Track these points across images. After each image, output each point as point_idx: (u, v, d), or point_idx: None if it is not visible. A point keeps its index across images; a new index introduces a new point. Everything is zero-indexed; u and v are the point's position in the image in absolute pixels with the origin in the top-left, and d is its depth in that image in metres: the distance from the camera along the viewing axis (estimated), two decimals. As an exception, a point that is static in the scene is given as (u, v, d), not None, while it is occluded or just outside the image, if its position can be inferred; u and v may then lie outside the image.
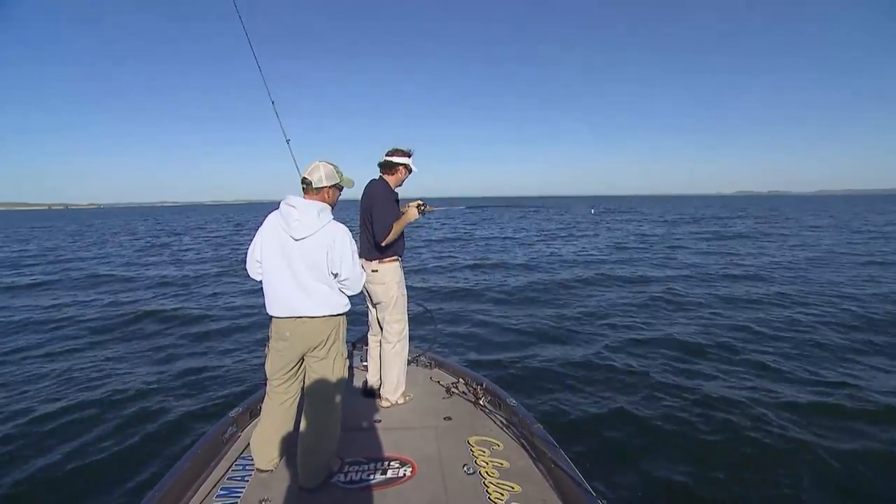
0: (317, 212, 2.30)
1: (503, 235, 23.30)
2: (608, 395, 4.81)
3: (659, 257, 15.08)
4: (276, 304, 2.36)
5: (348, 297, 2.48)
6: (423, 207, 3.32)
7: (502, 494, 2.35)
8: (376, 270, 3.21)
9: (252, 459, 2.57)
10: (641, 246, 18.34)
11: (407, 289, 3.37)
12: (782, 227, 27.26)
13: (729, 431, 4.08)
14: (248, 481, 2.48)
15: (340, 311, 2.43)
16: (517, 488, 2.40)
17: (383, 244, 3.10)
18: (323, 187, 2.40)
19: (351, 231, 2.43)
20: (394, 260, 3.24)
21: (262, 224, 2.43)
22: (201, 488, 2.40)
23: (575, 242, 19.96)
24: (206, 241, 25.07)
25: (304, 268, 2.30)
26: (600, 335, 6.79)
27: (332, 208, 2.43)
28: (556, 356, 5.91)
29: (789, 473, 3.47)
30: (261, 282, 2.44)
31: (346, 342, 4.01)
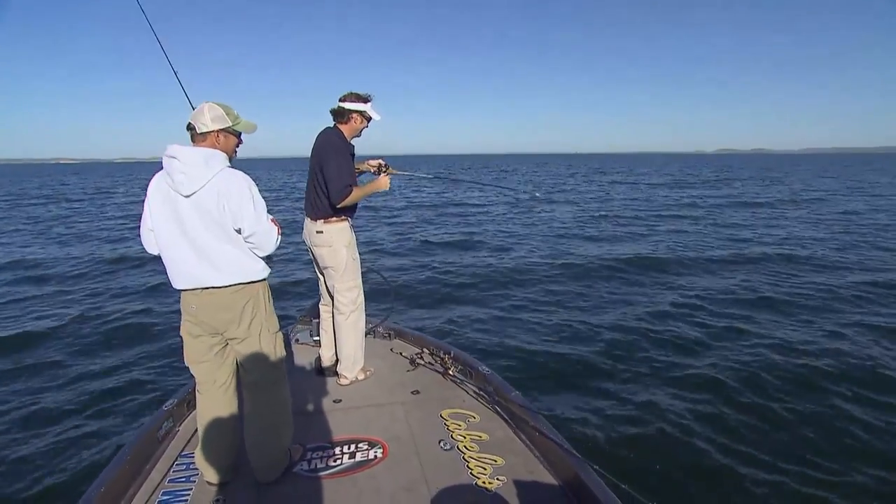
0: (203, 160, 1.89)
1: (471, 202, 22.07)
2: (582, 353, 4.82)
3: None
4: (178, 276, 1.98)
5: (265, 259, 2.10)
6: (385, 169, 3.01)
7: (484, 469, 2.19)
8: (321, 231, 2.87)
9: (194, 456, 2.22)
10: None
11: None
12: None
13: (713, 391, 4.11)
14: (194, 482, 2.14)
15: (255, 278, 2.05)
16: (500, 461, 2.24)
17: (339, 206, 2.75)
18: (210, 132, 1.97)
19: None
20: (341, 220, 2.89)
21: (148, 186, 1.99)
22: (136, 497, 2.04)
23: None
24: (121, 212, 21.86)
25: (200, 228, 1.92)
26: (599, 304, 6.65)
27: (230, 160, 2.03)
28: (527, 321, 5.84)
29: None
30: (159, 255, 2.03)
31: (294, 315, 3.60)
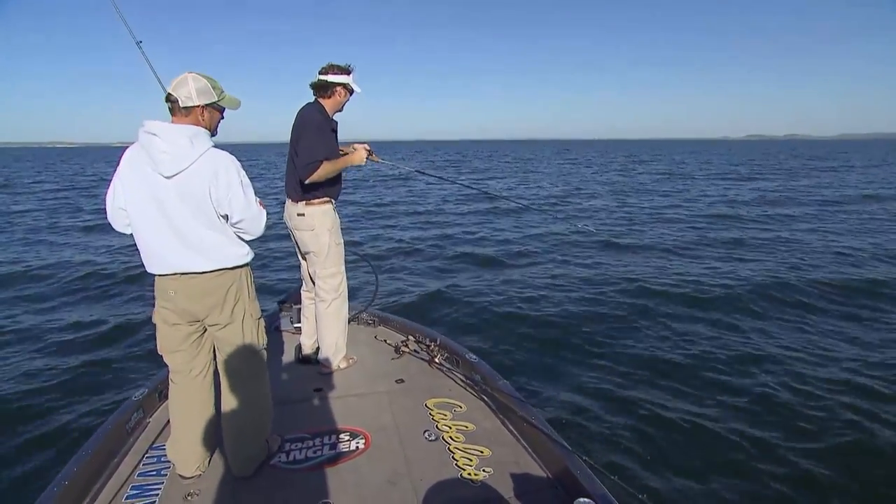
0: (188, 138, 1.75)
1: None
2: (574, 343, 4.79)
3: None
4: (154, 260, 1.85)
5: (248, 243, 1.99)
6: (369, 156, 2.87)
7: (471, 460, 2.12)
8: (302, 214, 2.74)
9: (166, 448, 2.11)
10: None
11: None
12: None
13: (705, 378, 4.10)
14: (165, 475, 2.03)
15: (239, 263, 1.94)
16: (486, 451, 2.18)
17: (307, 181, 2.61)
18: (194, 106, 1.81)
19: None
20: (325, 202, 2.77)
21: (118, 163, 1.83)
22: (103, 492, 1.92)
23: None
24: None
25: (183, 212, 1.79)
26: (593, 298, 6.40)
27: (212, 137, 1.89)
28: (520, 309, 5.76)
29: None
30: (132, 234, 1.88)
31: (276, 301, 3.49)
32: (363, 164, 2.84)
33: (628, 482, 1.87)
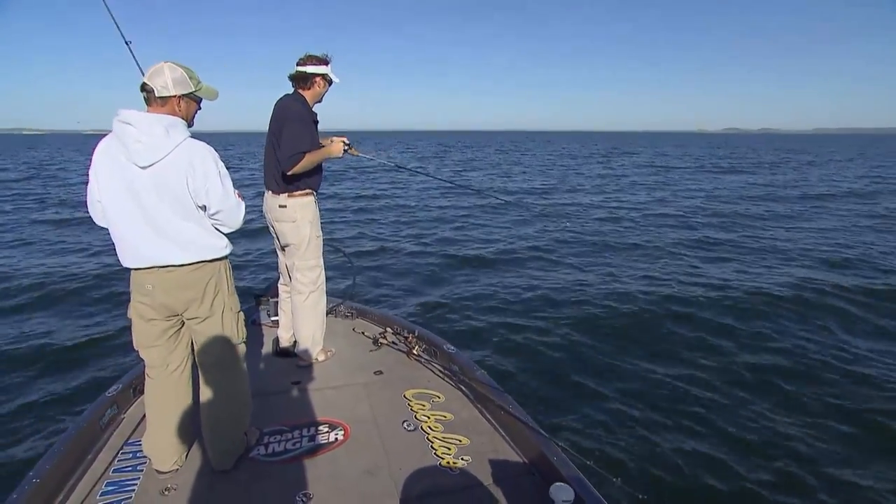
0: (164, 128, 1.72)
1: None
2: (549, 332, 4.85)
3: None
4: (130, 254, 1.81)
5: (226, 234, 1.97)
6: (348, 148, 2.83)
7: (449, 449, 2.16)
8: (284, 206, 2.72)
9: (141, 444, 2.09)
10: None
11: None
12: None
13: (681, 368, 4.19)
14: (142, 471, 2.01)
15: (218, 256, 1.91)
16: (465, 441, 2.22)
17: (289, 173, 2.60)
18: (170, 96, 1.78)
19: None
20: (306, 193, 2.76)
21: (93, 153, 1.79)
22: (77, 489, 1.90)
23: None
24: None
25: (160, 203, 1.76)
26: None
27: (189, 127, 1.86)
28: (498, 301, 5.82)
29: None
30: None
31: (253, 294, 3.46)
32: (340, 156, 2.81)
33: (604, 466, 1.93)
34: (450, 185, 16.54)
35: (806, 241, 9.17)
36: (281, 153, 2.58)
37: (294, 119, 2.60)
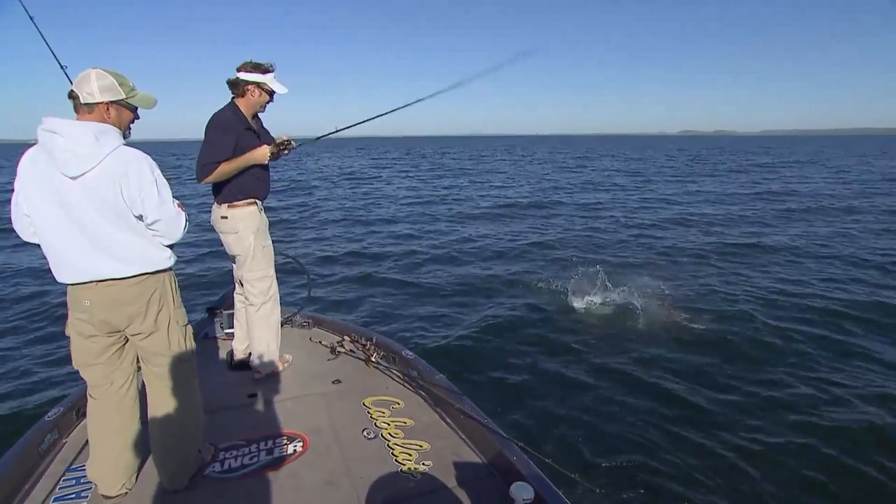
0: (93, 136, 1.64)
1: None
2: (506, 336, 4.92)
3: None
4: (65, 268, 1.72)
5: (170, 246, 1.89)
6: (287, 144, 2.64)
7: (410, 455, 2.17)
8: (226, 217, 2.65)
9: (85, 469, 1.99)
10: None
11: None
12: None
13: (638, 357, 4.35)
14: (86, 497, 1.91)
15: (161, 267, 1.84)
16: (425, 445, 2.23)
17: (202, 182, 2.56)
18: (97, 104, 1.70)
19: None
20: (249, 203, 2.68)
21: (18, 167, 1.69)
22: None
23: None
24: None
25: (93, 215, 1.68)
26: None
27: (125, 137, 1.78)
28: (452, 305, 5.85)
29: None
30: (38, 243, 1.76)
31: (205, 307, 3.33)
32: (266, 160, 2.65)
33: (563, 464, 1.99)
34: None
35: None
36: (196, 164, 2.54)
37: (211, 128, 2.54)
